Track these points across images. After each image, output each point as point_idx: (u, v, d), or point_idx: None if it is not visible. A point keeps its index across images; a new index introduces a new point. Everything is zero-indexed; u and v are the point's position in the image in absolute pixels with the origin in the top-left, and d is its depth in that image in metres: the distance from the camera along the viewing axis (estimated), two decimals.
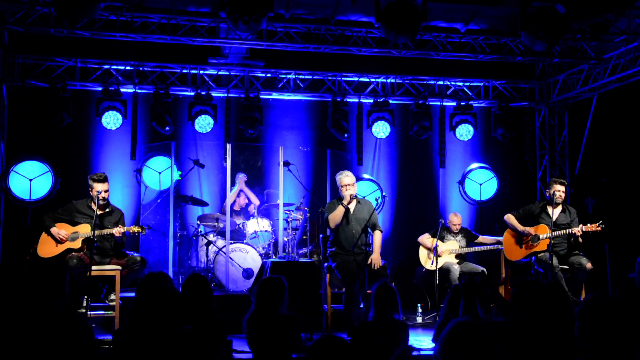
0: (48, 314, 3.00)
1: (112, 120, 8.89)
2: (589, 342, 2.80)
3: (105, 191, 7.02)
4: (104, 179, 7.03)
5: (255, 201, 9.79)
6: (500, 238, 8.53)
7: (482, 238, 8.88)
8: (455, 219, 8.91)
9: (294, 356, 4.70)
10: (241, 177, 9.78)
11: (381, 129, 9.60)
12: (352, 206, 7.29)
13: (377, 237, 7.30)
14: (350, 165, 9.87)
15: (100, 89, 9.00)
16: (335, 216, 7.20)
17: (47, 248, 7.00)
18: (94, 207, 7.00)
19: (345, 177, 7.25)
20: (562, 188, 7.78)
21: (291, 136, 10.64)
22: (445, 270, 8.44)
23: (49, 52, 9.02)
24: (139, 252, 8.76)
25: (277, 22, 8.29)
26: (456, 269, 8.42)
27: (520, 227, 7.86)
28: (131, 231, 7.02)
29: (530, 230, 7.78)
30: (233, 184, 9.71)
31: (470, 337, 2.42)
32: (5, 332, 2.91)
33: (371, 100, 9.70)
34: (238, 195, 9.70)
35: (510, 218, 7.99)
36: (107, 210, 7.16)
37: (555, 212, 7.78)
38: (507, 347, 3.35)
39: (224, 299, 8.00)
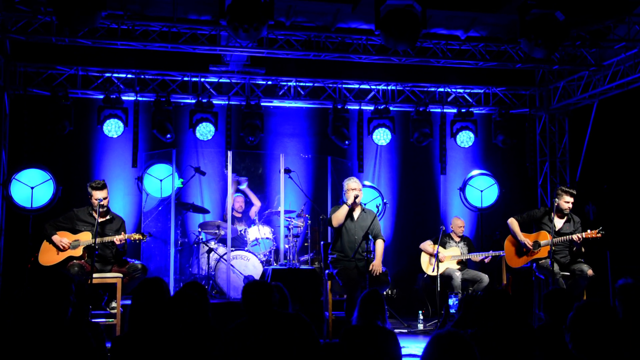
0: (53, 323, 3.00)
1: (113, 128, 8.92)
2: (582, 350, 2.78)
3: (105, 198, 6.99)
4: (102, 186, 7.01)
5: (257, 202, 9.79)
6: (497, 253, 8.56)
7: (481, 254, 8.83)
8: (459, 222, 8.95)
9: None
10: (234, 180, 9.76)
11: (382, 136, 9.62)
12: (356, 214, 7.32)
13: (380, 246, 7.32)
14: (351, 173, 9.88)
15: (101, 97, 9.03)
16: (339, 215, 7.24)
17: (48, 256, 7.01)
18: (95, 214, 7.02)
19: (353, 182, 7.38)
20: (572, 200, 7.64)
21: (292, 143, 10.66)
22: (447, 277, 8.43)
23: (50, 60, 9.06)
24: (140, 259, 8.76)
25: (278, 29, 8.32)
26: (458, 275, 8.41)
27: (520, 236, 7.78)
28: (132, 238, 7.02)
29: (529, 243, 7.72)
30: (235, 191, 9.73)
31: (455, 349, 2.43)
32: (8, 338, 2.92)
33: (372, 108, 9.72)
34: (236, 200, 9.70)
35: (512, 223, 7.92)
36: (108, 217, 7.17)
37: (560, 221, 7.74)
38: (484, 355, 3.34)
39: (225, 306, 8.01)
